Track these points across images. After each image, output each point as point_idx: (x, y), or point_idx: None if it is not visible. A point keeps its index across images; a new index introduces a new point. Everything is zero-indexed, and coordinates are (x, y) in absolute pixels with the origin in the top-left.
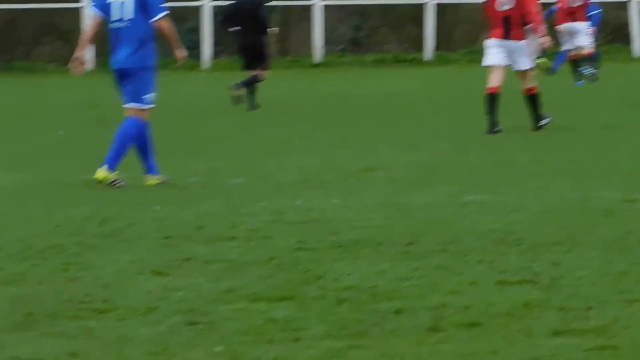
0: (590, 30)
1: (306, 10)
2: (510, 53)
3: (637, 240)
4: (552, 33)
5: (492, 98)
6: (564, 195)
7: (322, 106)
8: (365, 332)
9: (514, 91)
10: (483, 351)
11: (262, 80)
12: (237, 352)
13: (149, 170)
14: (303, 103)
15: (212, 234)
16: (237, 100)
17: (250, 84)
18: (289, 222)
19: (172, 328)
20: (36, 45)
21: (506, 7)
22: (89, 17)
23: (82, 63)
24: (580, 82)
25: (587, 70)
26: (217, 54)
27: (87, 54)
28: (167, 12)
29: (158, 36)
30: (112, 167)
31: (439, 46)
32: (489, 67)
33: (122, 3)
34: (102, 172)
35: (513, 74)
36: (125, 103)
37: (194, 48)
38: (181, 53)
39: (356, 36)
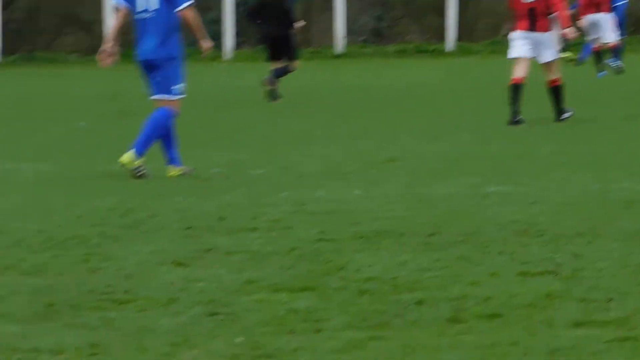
0: (615, 21)
1: (328, 1)
2: (535, 45)
3: None
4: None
5: (516, 88)
6: (585, 186)
7: (343, 97)
8: (387, 323)
9: (537, 83)
10: (504, 342)
11: (293, 70)
12: (258, 343)
13: (172, 161)
14: (325, 94)
15: (234, 224)
16: (272, 95)
17: (282, 75)
18: (311, 212)
19: (193, 319)
20: (58, 36)
21: None
22: (115, 9)
23: (110, 55)
24: (602, 73)
25: (613, 62)
26: (239, 45)
27: (115, 46)
28: (192, 1)
29: (182, 26)
30: (139, 153)
31: (460, 37)
32: (514, 60)
33: None
34: (128, 156)
35: (537, 65)
36: (153, 94)
37: (216, 39)
38: (206, 44)
39: (378, 27)
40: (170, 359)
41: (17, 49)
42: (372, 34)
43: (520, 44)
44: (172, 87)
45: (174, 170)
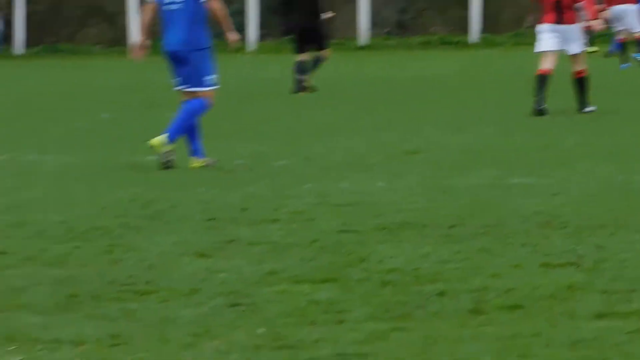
0: None
1: None
2: (562, 37)
3: None
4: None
5: (543, 79)
6: (608, 178)
7: (367, 89)
8: (408, 315)
9: (562, 75)
10: (525, 334)
11: (325, 60)
12: (280, 334)
13: (195, 152)
14: (348, 86)
15: (256, 216)
16: (311, 89)
17: (315, 67)
18: (333, 204)
19: (214, 310)
20: (82, 27)
21: None
22: (144, 2)
23: (142, 49)
24: (625, 65)
25: (638, 55)
26: (262, 36)
27: (147, 40)
28: None
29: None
30: (171, 140)
31: (484, 29)
32: (541, 53)
33: None
34: (158, 140)
35: (563, 57)
36: (179, 86)
37: (239, 31)
38: (233, 36)
39: (402, 19)
40: (191, 349)
41: (40, 41)
42: (396, 26)
43: (547, 38)
44: (204, 79)
45: (197, 162)
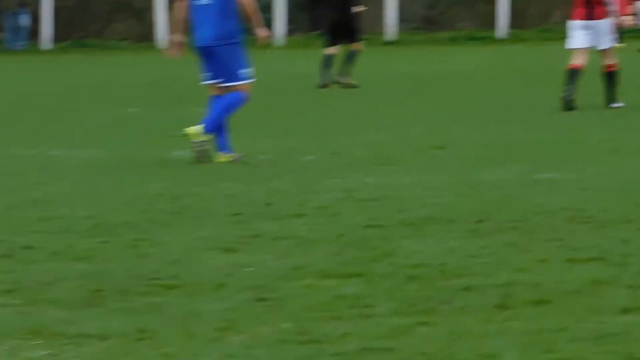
0: None
1: None
2: (593, 33)
3: None
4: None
5: (574, 73)
6: (635, 173)
7: (394, 84)
8: (434, 309)
9: (590, 70)
10: (551, 328)
11: (359, 54)
12: (305, 329)
13: (222, 147)
14: (375, 81)
15: (282, 211)
16: (351, 85)
17: (352, 61)
18: (359, 199)
19: (240, 304)
20: (109, 23)
21: None
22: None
23: (177, 46)
24: None
25: None
26: (290, 31)
27: (182, 37)
28: None
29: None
30: (207, 130)
31: (512, 24)
32: (572, 49)
33: None
34: (194, 129)
35: (593, 52)
36: (210, 80)
37: (267, 26)
38: (263, 32)
39: (429, 14)
40: (217, 344)
41: (68, 36)
42: (423, 21)
43: (578, 34)
44: (239, 72)
45: (223, 157)
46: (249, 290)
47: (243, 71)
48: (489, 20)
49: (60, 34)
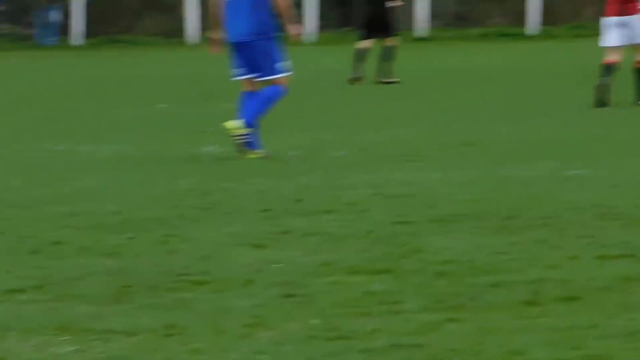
0: None
1: None
2: (628, 29)
3: None
4: None
5: (609, 67)
6: None
7: (424, 80)
8: (463, 306)
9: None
10: (581, 325)
11: (395, 48)
12: (334, 325)
13: (251, 144)
14: (405, 77)
15: (311, 207)
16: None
17: (390, 56)
18: (388, 195)
19: (269, 300)
20: (140, 18)
21: None
22: None
23: (218, 43)
24: None
25: None
26: (321, 27)
27: (221, 33)
28: None
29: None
30: (247, 123)
31: (543, 20)
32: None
33: None
34: (233, 123)
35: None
36: (244, 75)
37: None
38: (295, 29)
39: (460, 10)
40: (246, 340)
41: (99, 32)
42: (454, 17)
43: (613, 32)
44: (275, 66)
45: (253, 153)
46: (278, 287)
47: (280, 64)
48: (520, 17)
49: (91, 30)
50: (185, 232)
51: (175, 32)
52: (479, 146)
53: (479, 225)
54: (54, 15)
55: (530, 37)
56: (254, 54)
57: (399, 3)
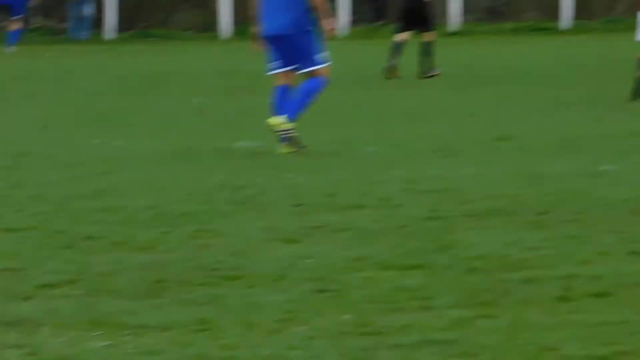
0: None
1: None
2: None
3: None
4: None
5: None
6: None
7: (457, 75)
8: (495, 302)
9: None
10: (613, 321)
11: (434, 43)
12: (366, 320)
13: (284, 138)
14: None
15: (343, 202)
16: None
17: (429, 52)
18: (421, 190)
19: (301, 295)
20: (173, 12)
21: None
22: None
23: (260, 39)
24: None
25: None
26: (353, 22)
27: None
28: None
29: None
30: (291, 117)
31: (576, 15)
32: None
33: None
34: (276, 119)
35: None
36: (281, 68)
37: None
38: (329, 24)
39: (493, 5)
40: (277, 335)
41: (132, 26)
42: (487, 12)
43: None
44: (315, 57)
45: (285, 148)
46: (310, 282)
47: (319, 55)
48: (553, 11)
49: (124, 24)
50: (218, 227)
51: (208, 26)
52: (512, 141)
53: (511, 221)
54: (87, 10)
55: (564, 32)
56: (292, 46)
57: None
